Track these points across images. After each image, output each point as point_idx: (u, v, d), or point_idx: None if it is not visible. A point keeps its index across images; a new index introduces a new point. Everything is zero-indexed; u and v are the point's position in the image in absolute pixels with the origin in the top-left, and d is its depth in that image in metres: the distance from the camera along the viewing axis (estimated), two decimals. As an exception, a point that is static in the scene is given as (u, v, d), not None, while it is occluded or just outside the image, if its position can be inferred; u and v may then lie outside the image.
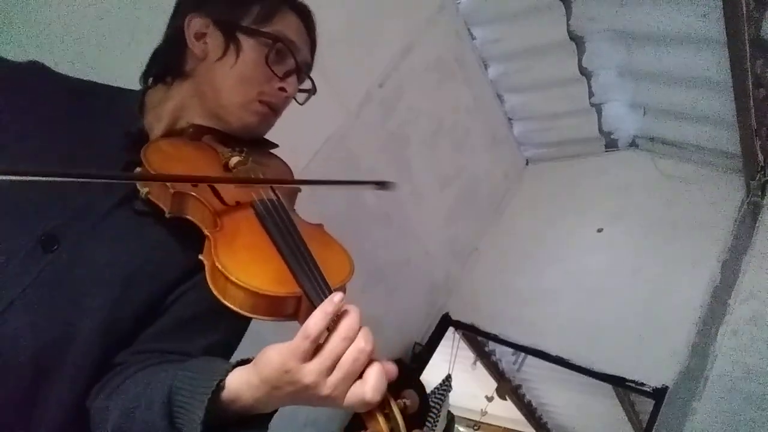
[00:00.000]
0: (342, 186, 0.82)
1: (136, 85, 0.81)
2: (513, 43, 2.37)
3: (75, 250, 0.62)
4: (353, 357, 0.48)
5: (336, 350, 0.48)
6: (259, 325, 0.64)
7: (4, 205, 0.62)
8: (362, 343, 0.49)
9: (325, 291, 0.54)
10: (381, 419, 0.48)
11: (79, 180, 0.53)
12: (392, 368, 0.51)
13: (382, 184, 0.75)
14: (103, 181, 0.54)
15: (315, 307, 0.52)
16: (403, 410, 0.49)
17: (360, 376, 0.49)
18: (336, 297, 0.50)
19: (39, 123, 0.67)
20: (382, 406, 0.49)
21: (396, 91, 2.12)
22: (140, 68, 0.81)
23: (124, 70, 0.83)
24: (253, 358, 0.53)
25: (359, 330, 0.50)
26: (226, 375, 0.52)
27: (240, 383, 0.51)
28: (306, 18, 0.81)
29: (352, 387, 0.48)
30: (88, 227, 0.64)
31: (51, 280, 0.60)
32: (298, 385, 0.48)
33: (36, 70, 0.73)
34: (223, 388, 0.51)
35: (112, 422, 0.56)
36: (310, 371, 0.48)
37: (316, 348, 0.49)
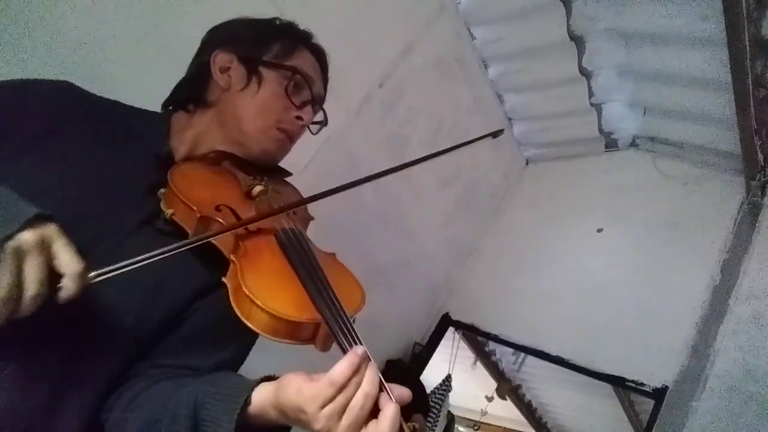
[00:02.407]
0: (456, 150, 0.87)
1: (140, 98, 0.83)
2: (513, 43, 2.37)
3: (102, 265, 0.63)
4: (360, 403, 0.51)
5: (346, 397, 0.51)
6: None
7: None
8: (368, 387, 0.52)
9: (343, 318, 0.57)
10: None
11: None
12: (407, 395, 0.54)
13: (496, 134, 0.79)
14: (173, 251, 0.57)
15: (333, 333, 0.56)
16: (414, 431, 0.51)
17: (374, 415, 0.51)
18: (359, 350, 0.53)
19: (70, 142, 0.70)
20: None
21: (396, 91, 2.12)
22: (143, 80, 0.83)
23: (131, 83, 0.84)
24: (276, 376, 0.56)
25: (366, 374, 0.52)
26: (251, 392, 0.55)
27: (264, 404, 0.54)
28: (320, 57, 0.88)
29: (367, 427, 0.50)
30: (115, 243, 0.66)
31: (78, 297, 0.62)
32: (310, 427, 0.51)
33: (66, 89, 0.75)
34: (249, 404, 0.54)
35: None
36: (321, 416, 0.50)
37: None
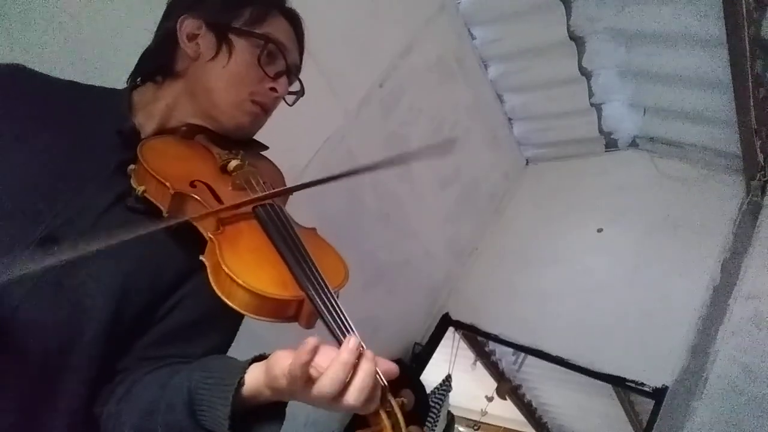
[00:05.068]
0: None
1: (123, 83, 0.81)
2: (513, 43, 2.37)
3: (74, 250, 0.62)
4: (334, 374, 0.49)
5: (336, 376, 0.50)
6: (255, 324, 0.64)
7: (3, 207, 0.61)
8: (345, 355, 0.50)
9: (327, 294, 0.56)
10: (383, 415, 0.50)
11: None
12: (392, 368, 0.53)
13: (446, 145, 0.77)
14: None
15: (317, 310, 0.54)
16: (402, 407, 0.51)
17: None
18: (351, 342, 0.50)
19: (25, 126, 0.67)
20: (384, 403, 0.51)
21: (396, 91, 2.12)
22: (129, 65, 0.81)
23: (115, 67, 0.83)
24: (265, 354, 0.55)
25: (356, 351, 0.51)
26: (244, 373, 0.54)
27: (257, 383, 0.54)
28: (295, 22, 0.83)
29: (346, 392, 0.50)
30: (86, 227, 0.64)
31: (53, 283, 0.60)
32: (298, 397, 0.51)
33: (17, 72, 0.72)
34: (243, 385, 0.54)
35: (130, 426, 0.57)
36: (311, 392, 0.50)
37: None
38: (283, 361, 0.51)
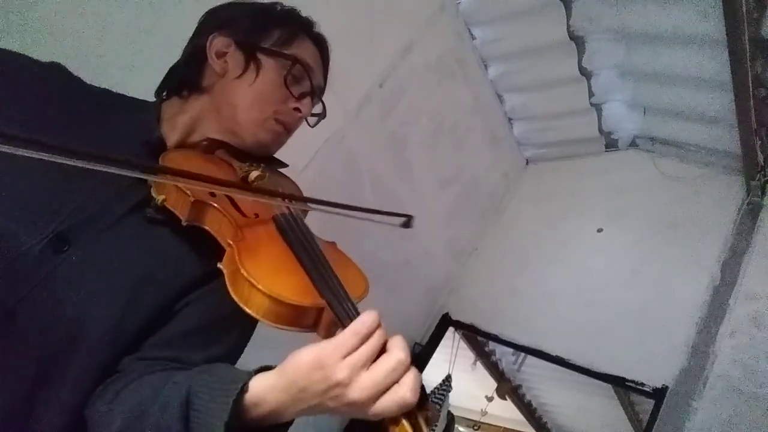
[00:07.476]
0: (364, 215, 0.82)
1: (133, 86, 0.82)
2: (513, 43, 2.37)
3: (86, 252, 0.62)
4: (392, 366, 0.48)
5: (373, 346, 0.49)
6: (265, 333, 0.64)
7: (18, 200, 0.61)
8: (402, 354, 0.49)
9: (348, 303, 0.55)
10: (407, 426, 0.48)
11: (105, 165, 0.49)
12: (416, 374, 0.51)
13: (406, 220, 0.77)
14: (124, 173, 0.50)
15: (338, 318, 0.53)
16: (427, 420, 0.49)
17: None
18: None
19: (56, 124, 0.68)
20: (409, 414, 0.49)
21: (396, 91, 2.12)
22: (139, 69, 0.81)
23: (124, 71, 0.83)
24: (275, 366, 0.53)
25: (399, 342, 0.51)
26: (249, 379, 0.52)
27: (264, 387, 0.51)
28: (322, 46, 0.85)
29: (388, 391, 0.48)
30: (100, 230, 0.64)
31: (60, 281, 0.60)
32: (329, 382, 0.48)
33: (57, 71, 0.73)
34: (246, 390, 0.51)
35: (119, 425, 0.56)
36: (344, 365, 0.48)
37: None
38: (310, 346, 0.50)
